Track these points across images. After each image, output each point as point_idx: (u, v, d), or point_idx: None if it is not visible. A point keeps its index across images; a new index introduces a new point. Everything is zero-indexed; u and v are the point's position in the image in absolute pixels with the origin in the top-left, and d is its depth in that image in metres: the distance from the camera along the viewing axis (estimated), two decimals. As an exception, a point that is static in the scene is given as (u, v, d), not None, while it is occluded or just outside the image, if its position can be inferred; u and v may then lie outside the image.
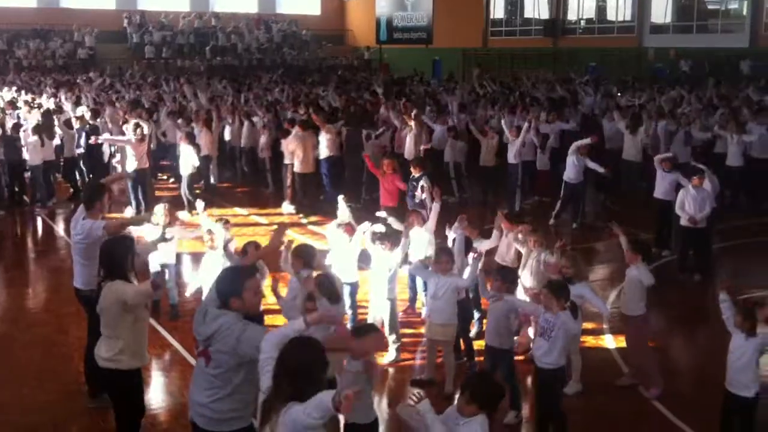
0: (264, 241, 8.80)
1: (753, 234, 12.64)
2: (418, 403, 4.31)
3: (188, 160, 14.18)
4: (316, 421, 3.61)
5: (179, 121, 16.66)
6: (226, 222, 8.56)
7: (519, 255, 8.31)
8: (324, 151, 14.76)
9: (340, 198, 9.27)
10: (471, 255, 7.29)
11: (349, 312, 8.06)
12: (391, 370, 7.87)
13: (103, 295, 5.54)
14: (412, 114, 15.71)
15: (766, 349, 5.93)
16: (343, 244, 8.30)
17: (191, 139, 14.54)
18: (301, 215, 14.23)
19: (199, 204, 8.72)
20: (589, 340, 8.48)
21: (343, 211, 8.92)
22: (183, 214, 13.17)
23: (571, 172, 13.35)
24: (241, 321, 4.43)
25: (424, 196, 10.75)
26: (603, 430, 6.81)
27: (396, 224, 8.18)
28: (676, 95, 20.29)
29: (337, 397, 3.52)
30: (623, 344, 8.19)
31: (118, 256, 5.60)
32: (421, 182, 10.89)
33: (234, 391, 4.48)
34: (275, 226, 13.17)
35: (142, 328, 5.74)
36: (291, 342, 3.97)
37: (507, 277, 7.03)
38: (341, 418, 5.36)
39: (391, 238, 8.04)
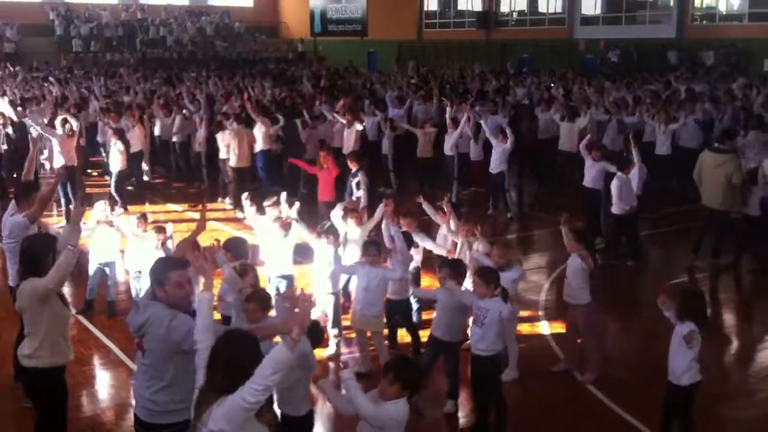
0: (201, 237, 8.70)
1: (682, 220, 12.93)
2: (342, 371, 4.40)
3: (118, 156, 13.88)
4: (266, 385, 3.63)
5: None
6: (143, 216, 8.42)
7: (455, 245, 8.38)
8: (259, 144, 14.62)
9: (284, 195, 9.00)
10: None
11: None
12: (331, 364, 7.87)
13: (18, 293, 5.38)
14: (347, 108, 15.65)
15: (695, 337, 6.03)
16: (278, 237, 8.23)
17: (121, 134, 14.23)
18: (236, 210, 14.08)
19: (169, 227, 8.48)
20: (525, 328, 8.60)
21: (284, 208, 8.80)
22: (116, 211, 12.89)
23: (492, 161, 13.55)
24: (169, 311, 4.45)
25: (359, 193, 10.73)
26: (540, 415, 6.91)
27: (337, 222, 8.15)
28: (606, 85, 20.70)
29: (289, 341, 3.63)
30: (558, 331, 8.35)
31: (39, 253, 5.45)
32: (357, 178, 10.88)
33: (172, 382, 4.48)
34: (209, 223, 13.12)
35: (62, 323, 5.55)
36: (224, 335, 3.98)
37: (457, 269, 6.75)
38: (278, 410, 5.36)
39: (333, 233, 8.03)
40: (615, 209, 10.91)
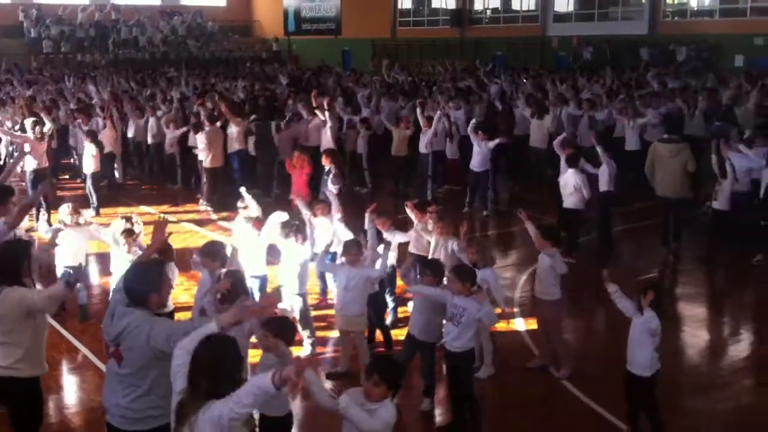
0: (175, 239, 8.63)
1: (652, 215, 12.92)
2: (338, 398, 4.35)
3: (91, 158, 13.77)
4: (246, 409, 3.57)
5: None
6: (129, 219, 8.28)
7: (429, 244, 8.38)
8: (233, 145, 14.53)
9: (243, 190, 8.98)
10: (382, 245, 7.37)
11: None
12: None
13: (0, 301, 5.24)
14: (325, 105, 15.57)
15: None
16: (251, 237, 8.17)
17: (94, 136, 14.11)
18: (210, 211, 13.99)
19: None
20: (500, 324, 8.56)
21: (251, 203, 8.76)
22: (88, 213, 12.80)
23: (475, 159, 13.53)
24: (149, 317, 4.39)
25: (332, 189, 10.67)
26: (515, 411, 6.93)
27: (305, 211, 8.12)
28: (580, 83, 20.82)
29: (277, 375, 3.50)
30: (534, 327, 8.36)
31: (13, 259, 5.34)
32: (331, 175, 10.87)
33: (151, 388, 4.43)
34: (183, 224, 13.05)
35: (43, 335, 5.47)
36: (204, 340, 3.92)
37: (436, 270, 6.70)
38: (255, 413, 5.32)
39: (302, 231, 7.95)
40: (574, 204, 10.99)
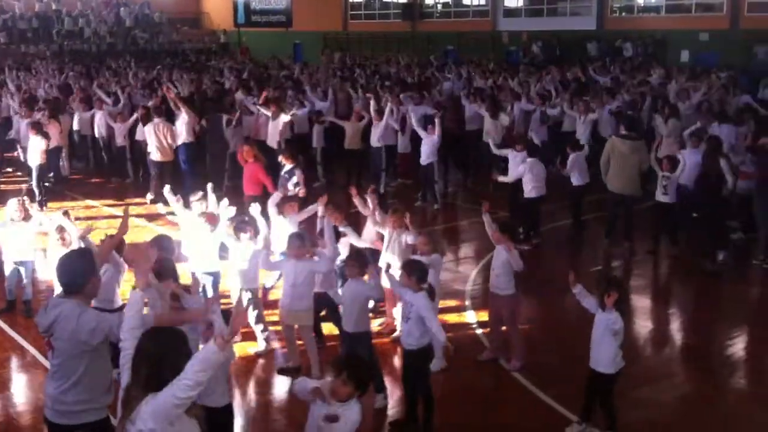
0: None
1: (603, 209, 13.03)
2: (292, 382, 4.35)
3: (37, 151, 13.43)
4: (191, 385, 3.53)
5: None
6: (66, 212, 8.09)
7: (381, 237, 8.36)
8: (182, 137, 14.29)
9: (209, 186, 8.78)
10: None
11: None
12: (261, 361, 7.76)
13: None
14: (272, 100, 15.41)
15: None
16: (203, 233, 8.04)
17: (39, 128, 13.77)
18: (158, 205, 13.75)
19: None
20: (452, 317, 8.66)
21: (212, 200, 8.59)
22: (33, 207, 12.52)
23: (423, 153, 13.57)
24: (79, 308, 4.42)
25: (297, 189, 10.53)
26: (467, 403, 6.96)
27: (257, 215, 7.97)
28: (529, 77, 20.98)
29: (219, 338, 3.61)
30: (485, 320, 8.41)
31: None
32: (295, 177, 10.69)
33: (79, 381, 4.44)
34: (131, 219, 12.80)
35: None
36: (149, 332, 3.94)
37: (360, 260, 6.79)
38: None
39: (254, 225, 7.86)
40: (530, 194, 11.24)
